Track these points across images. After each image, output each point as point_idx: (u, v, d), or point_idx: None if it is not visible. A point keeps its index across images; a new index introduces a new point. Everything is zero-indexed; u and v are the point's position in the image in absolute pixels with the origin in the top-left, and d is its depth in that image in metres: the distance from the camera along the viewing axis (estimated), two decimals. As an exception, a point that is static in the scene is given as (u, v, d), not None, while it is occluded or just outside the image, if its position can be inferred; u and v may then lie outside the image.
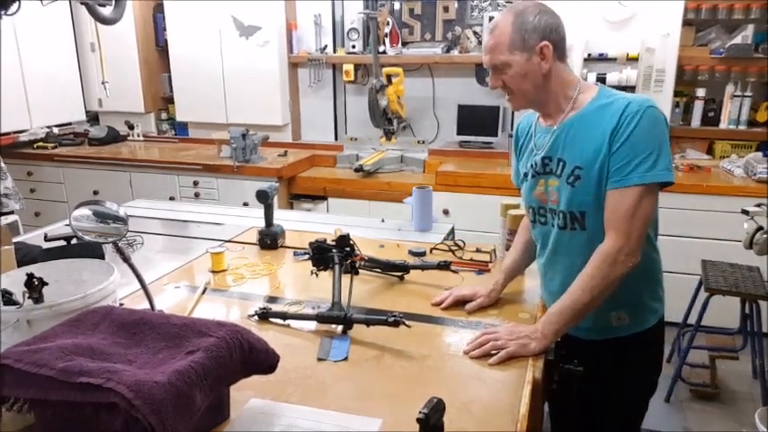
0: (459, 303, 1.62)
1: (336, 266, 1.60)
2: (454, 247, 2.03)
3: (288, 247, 2.12)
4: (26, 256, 1.71)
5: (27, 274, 1.29)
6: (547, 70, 1.40)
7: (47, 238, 1.86)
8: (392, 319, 1.37)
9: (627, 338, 1.51)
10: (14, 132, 4.27)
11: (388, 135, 4.12)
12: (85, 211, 1.36)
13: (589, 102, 1.43)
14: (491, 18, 3.84)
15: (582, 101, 1.44)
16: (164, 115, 4.90)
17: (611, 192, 1.36)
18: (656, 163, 1.33)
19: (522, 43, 1.37)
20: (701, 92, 3.64)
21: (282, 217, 2.34)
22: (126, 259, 1.39)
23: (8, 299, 1.27)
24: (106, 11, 2.51)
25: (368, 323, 1.42)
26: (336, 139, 4.57)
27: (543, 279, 1.62)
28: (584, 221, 1.43)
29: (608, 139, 1.36)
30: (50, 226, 2.42)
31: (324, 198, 3.97)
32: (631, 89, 3.42)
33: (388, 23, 4.11)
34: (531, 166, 1.52)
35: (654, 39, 3.41)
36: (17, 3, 2.14)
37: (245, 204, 3.74)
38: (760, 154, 3.50)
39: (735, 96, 3.56)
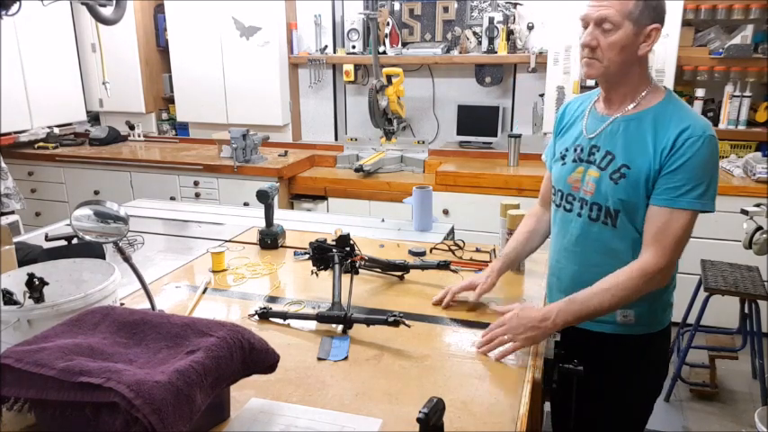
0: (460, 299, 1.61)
1: (336, 266, 1.60)
2: (454, 247, 2.03)
3: (288, 247, 2.12)
4: (27, 255, 1.71)
5: (28, 274, 1.30)
6: (643, 53, 1.37)
7: (47, 238, 1.86)
8: (392, 318, 1.37)
9: (629, 338, 1.50)
10: (15, 132, 4.27)
11: (388, 135, 4.12)
12: (86, 210, 1.36)
13: (656, 104, 1.40)
14: (491, 19, 3.84)
15: (649, 100, 1.41)
16: (164, 115, 4.90)
17: (660, 208, 1.35)
18: (707, 192, 1.33)
19: (638, 15, 1.33)
20: (700, 92, 3.64)
21: (283, 217, 2.34)
22: (126, 259, 1.39)
23: (9, 298, 1.27)
24: (107, 11, 2.50)
25: (368, 323, 1.43)
26: (336, 139, 4.57)
27: (554, 264, 1.60)
28: (616, 219, 1.42)
29: (662, 153, 1.33)
30: (51, 226, 2.42)
31: (324, 198, 3.97)
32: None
33: (388, 24, 4.11)
34: (575, 150, 1.49)
35: (654, 39, 3.42)
36: (18, 3, 2.14)
37: (246, 204, 3.74)
38: (759, 154, 3.50)
39: (734, 96, 3.56)
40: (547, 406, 1.70)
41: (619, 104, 1.44)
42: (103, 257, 1.70)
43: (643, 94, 1.41)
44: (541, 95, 3.84)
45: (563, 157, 1.53)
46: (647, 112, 1.40)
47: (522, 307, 1.46)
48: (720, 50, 3.55)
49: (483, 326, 1.50)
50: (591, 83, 3.50)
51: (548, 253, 1.94)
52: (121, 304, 1.44)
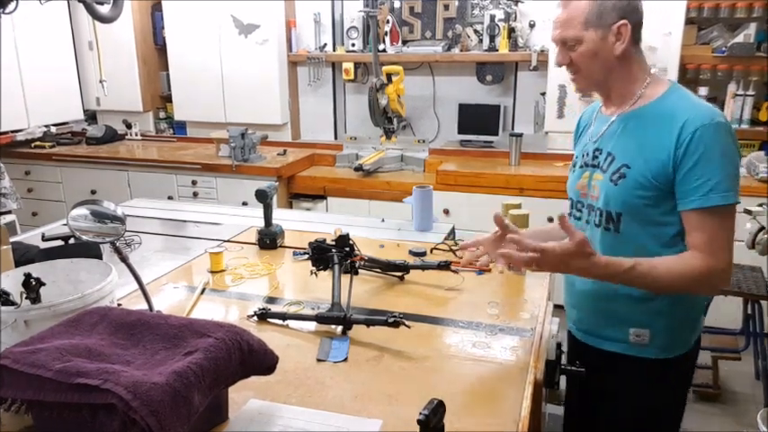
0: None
1: (336, 266, 1.59)
2: (455, 247, 2.02)
3: (287, 247, 2.10)
4: (23, 255, 1.70)
5: (24, 274, 1.29)
6: (621, 52, 1.32)
7: (44, 238, 1.85)
8: (392, 319, 1.36)
9: (642, 361, 1.41)
10: (12, 131, 4.26)
11: (388, 134, 4.11)
12: (83, 210, 1.35)
13: (657, 98, 1.34)
14: (492, 16, 3.83)
15: (649, 95, 1.35)
16: (162, 114, 4.88)
17: (693, 212, 1.25)
18: (732, 182, 1.24)
19: (597, 20, 1.30)
20: (703, 91, 3.62)
21: (282, 216, 2.33)
22: (124, 259, 1.38)
23: (5, 299, 1.26)
24: (104, 9, 2.49)
25: (368, 323, 1.41)
26: (336, 138, 4.56)
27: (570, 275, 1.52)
28: (618, 224, 1.35)
29: (672, 149, 1.25)
30: (48, 226, 2.41)
31: (323, 197, 3.96)
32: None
33: (388, 21, 4.10)
34: (583, 155, 1.46)
35: (656, 38, 3.40)
36: (15, 1, 2.13)
37: (244, 204, 3.72)
38: (762, 153, 3.48)
39: (737, 95, 3.55)
40: (549, 408, 1.69)
41: (619, 104, 1.40)
42: (101, 258, 1.69)
43: (642, 89, 1.36)
44: (543, 94, 3.83)
45: (574, 165, 1.51)
46: (647, 107, 1.35)
47: (579, 251, 1.19)
48: (723, 49, 3.54)
49: (483, 326, 1.49)
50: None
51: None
52: (119, 305, 1.43)
